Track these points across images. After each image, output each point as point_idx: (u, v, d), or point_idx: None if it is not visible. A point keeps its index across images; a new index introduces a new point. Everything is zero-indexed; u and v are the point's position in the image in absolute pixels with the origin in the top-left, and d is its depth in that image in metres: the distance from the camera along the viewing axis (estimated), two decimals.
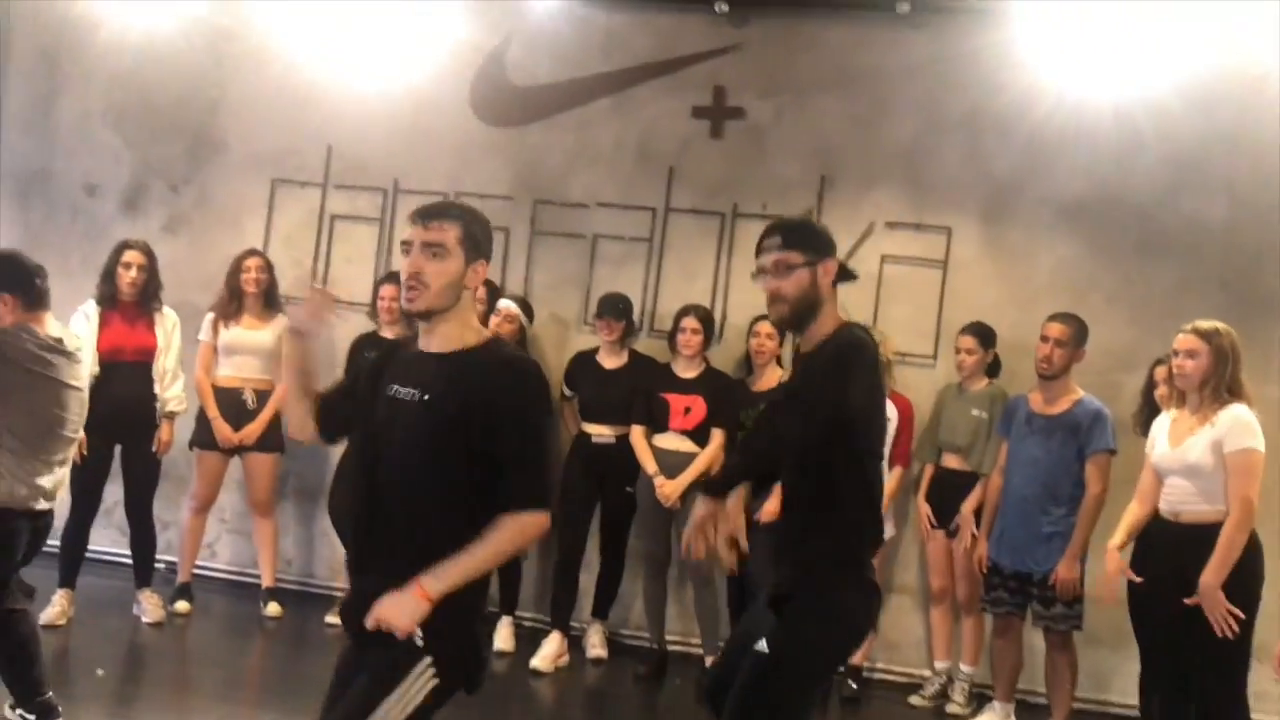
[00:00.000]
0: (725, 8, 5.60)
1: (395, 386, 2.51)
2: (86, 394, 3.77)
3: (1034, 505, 4.57)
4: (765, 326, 5.02)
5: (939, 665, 5.25)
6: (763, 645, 2.80)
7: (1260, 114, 5.14)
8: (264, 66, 6.21)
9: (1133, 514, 4.09)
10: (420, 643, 2.38)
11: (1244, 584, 3.70)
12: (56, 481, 3.64)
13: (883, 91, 5.59)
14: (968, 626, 5.12)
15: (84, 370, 3.79)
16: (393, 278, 5.76)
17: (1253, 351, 4.12)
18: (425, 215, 2.53)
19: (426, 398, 2.45)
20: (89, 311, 5.06)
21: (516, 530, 2.44)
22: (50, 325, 3.66)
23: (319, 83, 6.10)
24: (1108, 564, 4.10)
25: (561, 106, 5.93)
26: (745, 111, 5.73)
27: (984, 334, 5.10)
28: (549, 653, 5.16)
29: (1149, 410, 4.37)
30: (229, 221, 6.30)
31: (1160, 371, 4.36)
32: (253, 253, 5.61)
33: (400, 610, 2.35)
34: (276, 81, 6.18)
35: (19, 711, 3.63)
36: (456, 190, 6.00)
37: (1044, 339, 4.60)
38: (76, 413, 3.67)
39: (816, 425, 2.76)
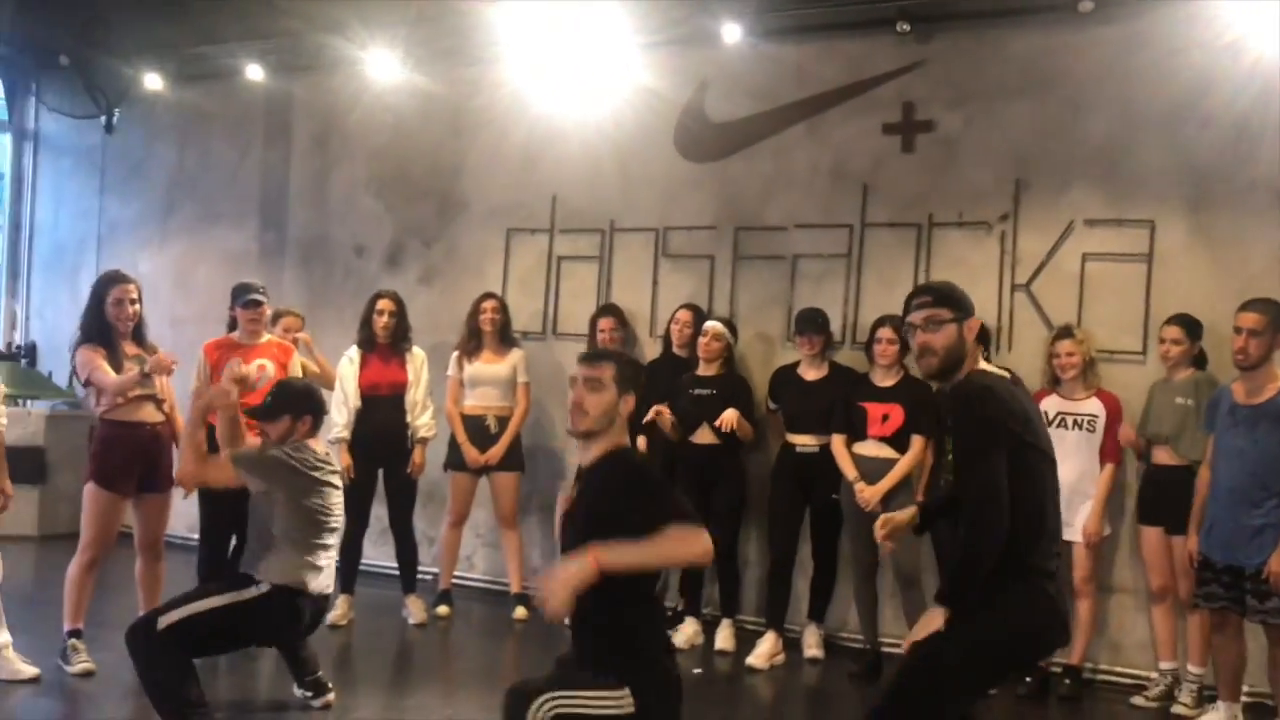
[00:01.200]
0: (907, 27, 5.80)
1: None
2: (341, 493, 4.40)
3: (1242, 497, 4.44)
4: None
5: (1164, 666, 5.12)
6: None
7: None
8: (493, 133, 6.99)
9: None
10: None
11: None
12: (329, 562, 4.29)
13: (1072, 90, 5.59)
14: (1192, 625, 4.98)
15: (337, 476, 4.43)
16: (608, 310, 6.34)
17: None
18: (588, 358, 3.14)
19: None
20: (351, 355, 5.89)
21: (678, 535, 2.83)
22: (320, 444, 4.35)
23: (541, 141, 6.81)
24: None
25: (758, 137, 6.30)
26: (935, 124, 5.88)
27: (1189, 324, 4.99)
28: (764, 651, 5.46)
29: None
30: (473, 269, 7.08)
31: None
32: (488, 296, 6.30)
33: (565, 574, 2.77)
34: (505, 144, 6.94)
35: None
36: (665, 224, 6.54)
37: (1237, 329, 4.48)
38: (338, 508, 4.33)
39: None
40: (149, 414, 4.88)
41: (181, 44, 7.73)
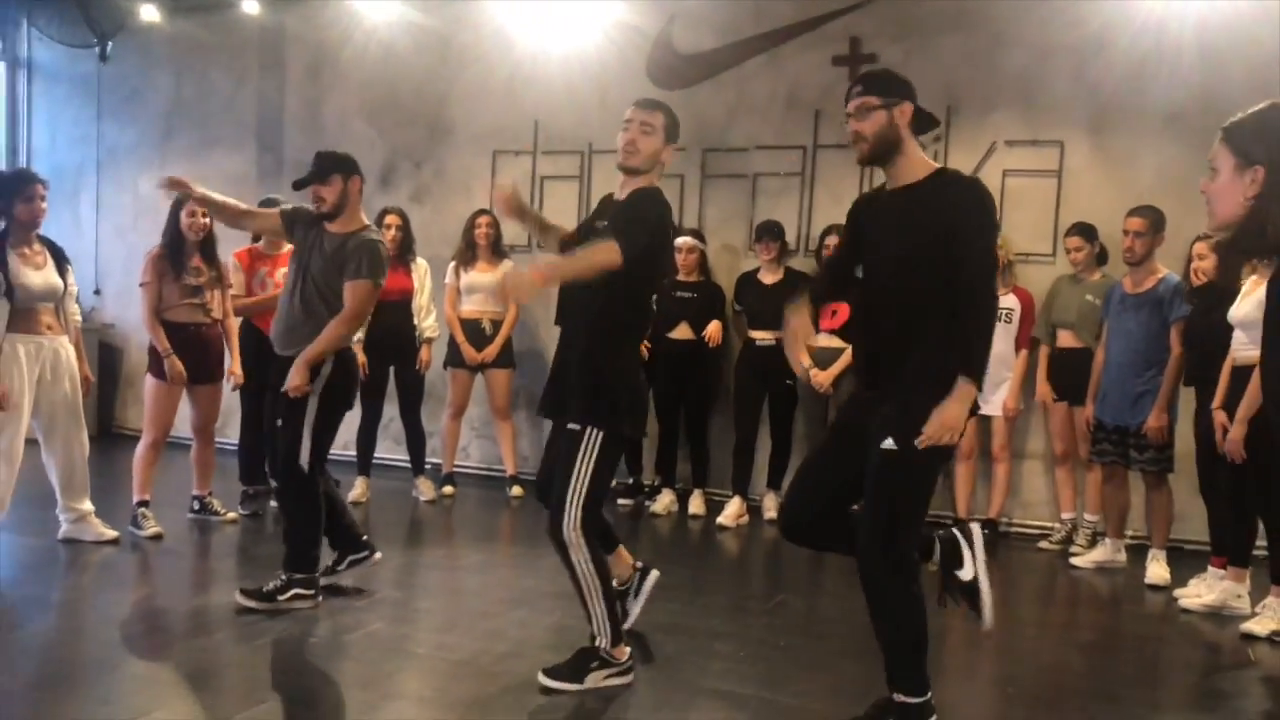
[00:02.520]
0: None
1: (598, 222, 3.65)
2: None
3: (1129, 370, 5.40)
4: None
5: (1065, 516, 6.14)
6: (889, 443, 3.05)
7: None
8: (479, 61, 7.64)
9: (1225, 368, 4.83)
10: (579, 425, 3.46)
11: None
12: None
13: (995, 27, 6.42)
14: (1090, 480, 5.97)
15: None
16: None
17: None
18: (644, 104, 3.65)
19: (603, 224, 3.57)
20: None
21: (597, 246, 3.37)
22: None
23: (523, 69, 7.48)
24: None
25: (722, 67, 7.06)
26: (878, 57, 6.66)
27: (1085, 230, 5.90)
28: (731, 512, 6.40)
29: (1188, 282, 5.14)
30: (461, 189, 7.79)
31: (1198, 247, 5.10)
32: (482, 212, 7.02)
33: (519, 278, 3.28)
34: (490, 72, 7.60)
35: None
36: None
37: (1125, 232, 5.40)
38: None
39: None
40: (197, 316, 5.58)
41: None
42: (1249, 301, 4.60)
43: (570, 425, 3.54)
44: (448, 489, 6.97)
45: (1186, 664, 4.35)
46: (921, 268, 3.11)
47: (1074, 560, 5.77)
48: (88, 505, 5.33)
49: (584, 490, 3.49)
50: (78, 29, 8.78)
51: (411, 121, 7.96)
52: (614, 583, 3.75)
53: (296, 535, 4.41)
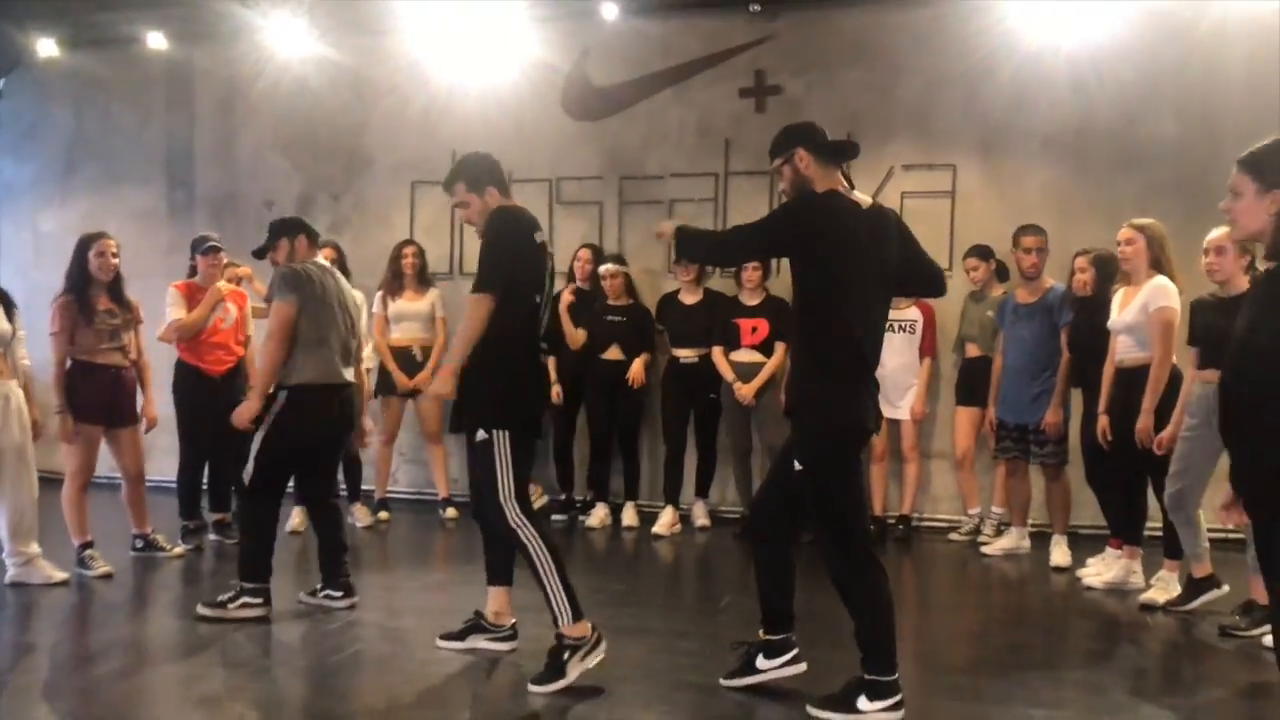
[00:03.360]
0: (758, 7, 7.01)
1: None
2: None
3: (1025, 373, 5.94)
4: None
5: (971, 511, 6.66)
6: (797, 465, 3.51)
7: (1195, 50, 6.37)
8: (394, 94, 7.82)
9: (1106, 372, 5.36)
10: (485, 434, 3.85)
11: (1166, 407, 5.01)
12: (336, 356, 4.86)
13: (893, 60, 6.95)
14: (997, 475, 6.48)
15: None
16: None
17: (1203, 240, 4.96)
18: (446, 185, 4.11)
19: None
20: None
21: (472, 307, 3.82)
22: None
23: (439, 102, 7.69)
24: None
25: (634, 99, 7.42)
26: (782, 88, 7.13)
27: (982, 252, 6.44)
28: (665, 522, 6.73)
29: (1071, 293, 5.70)
30: (381, 219, 7.94)
31: (1079, 261, 5.66)
32: (408, 242, 7.21)
33: (441, 383, 3.86)
34: (406, 105, 7.78)
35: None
36: (557, 175, 7.57)
37: (1026, 250, 5.94)
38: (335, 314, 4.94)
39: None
40: (116, 358, 5.56)
41: (77, 11, 8.12)
42: (1130, 310, 5.15)
43: (479, 437, 3.90)
44: (383, 514, 7.10)
45: (1094, 632, 4.84)
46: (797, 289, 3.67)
47: (984, 549, 6.27)
48: (35, 548, 5.31)
49: (511, 485, 3.87)
50: None
51: (329, 154, 8.08)
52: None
53: (245, 547, 4.82)
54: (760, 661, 3.81)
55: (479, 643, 4.26)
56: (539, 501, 7.17)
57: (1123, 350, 5.22)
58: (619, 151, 7.47)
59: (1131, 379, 5.14)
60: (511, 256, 3.93)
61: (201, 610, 4.71)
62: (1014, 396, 6.02)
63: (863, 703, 3.48)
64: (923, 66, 6.90)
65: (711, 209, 7.31)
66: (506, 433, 3.88)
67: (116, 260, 5.58)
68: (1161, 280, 5.10)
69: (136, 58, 8.33)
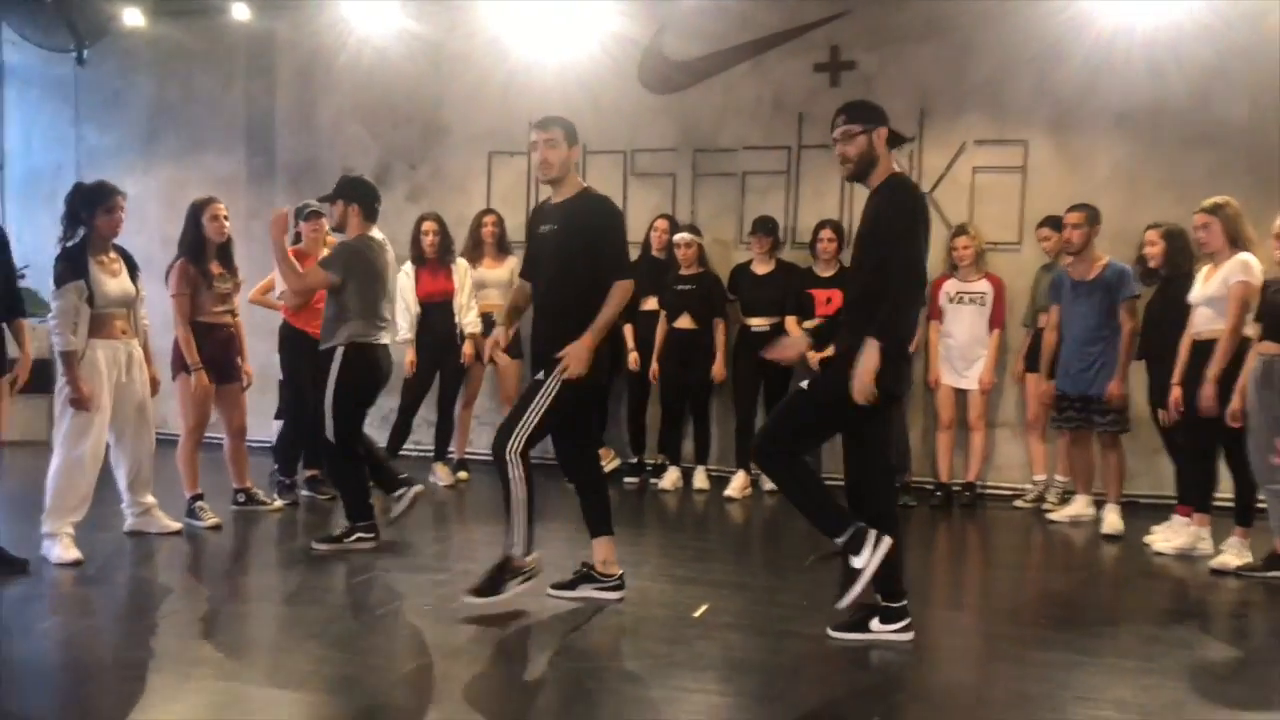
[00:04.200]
0: None
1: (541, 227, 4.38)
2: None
3: (1085, 346, 6.08)
4: None
5: (1036, 478, 6.85)
6: (804, 384, 4.06)
7: (1269, 29, 6.47)
8: (473, 67, 8.00)
9: (1182, 345, 5.51)
10: (543, 375, 4.24)
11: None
12: (390, 323, 5.54)
13: (965, 37, 7.07)
14: (1061, 444, 6.67)
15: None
16: None
17: (1271, 219, 5.18)
18: (540, 124, 4.36)
19: (556, 227, 4.31)
20: (407, 270, 6.93)
21: (622, 292, 4.24)
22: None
23: (517, 74, 7.87)
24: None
25: (710, 73, 7.58)
26: (856, 63, 7.28)
27: (1055, 222, 6.58)
28: (737, 485, 6.97)
29: (1143, 264, 5.86)
30: (457, 188, 8.16)
31: (1149, 234, 5.81)
32: (488, 211, 7.43)
33: (578, 363, 4.20)
34: (485, 77, 7.97)
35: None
36: (632, 147, 7.76)
37: (1064, 226, 6.09)
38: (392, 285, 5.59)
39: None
40: (225, 319, 5.88)
41: None
42: (1212, 284, 5.31)
43: (536, 376, 4.33)
44: (462, 474, 7.37)
45: (1169, 592, 5.06)
46: (863, 257, 3.96)
47: (1050, 515, 6.48)
48: (151, 499, 5.60)
49: (532, 425, 4.22)
50: (55, 32, 8.85)
51: (406, 123, 8.29)
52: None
53: (345, 492, 5.42)
54: (874, 624, 4.02)
55: (588, 592, 4.51)
56: (611, 464, 7.42)
57: (1202, 323, 5.37)
58: (693, 124, 7.65)
59: (1208, 351, 5.29)
60: (618, 232, 4.43)
61: (317, 547, 5.26)
62: (1075, 368, 6.18)
63: (876, 625, 3.96)
64: (994, 45, 7.03)
65: (784, 181, 7.48)
66: (558, 384, 4.22)
67: (229, 223, 5.83)
68: (1245, 255, 5.24)
69: (218, 27, 8.54)
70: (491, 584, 4.27)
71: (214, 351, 5.75)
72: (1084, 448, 6.33)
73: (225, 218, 5.85)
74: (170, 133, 8.93)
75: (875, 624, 3.99)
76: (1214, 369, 5.16)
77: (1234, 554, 5.24)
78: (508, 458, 4.21)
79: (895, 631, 3.98)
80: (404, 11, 7.96)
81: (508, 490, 4.24)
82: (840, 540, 3.89)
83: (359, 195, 5.50)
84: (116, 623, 4.36)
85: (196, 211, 5.81)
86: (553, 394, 4.23)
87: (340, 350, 5.28)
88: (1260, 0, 6.46)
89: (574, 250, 4.28)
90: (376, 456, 5.63)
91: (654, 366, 7.14)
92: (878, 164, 3.92)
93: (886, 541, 3.87)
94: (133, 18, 8.58)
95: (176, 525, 5.63)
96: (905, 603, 4.02)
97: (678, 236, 7.16)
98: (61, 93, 9.20)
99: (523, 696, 3.51)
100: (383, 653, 3.93)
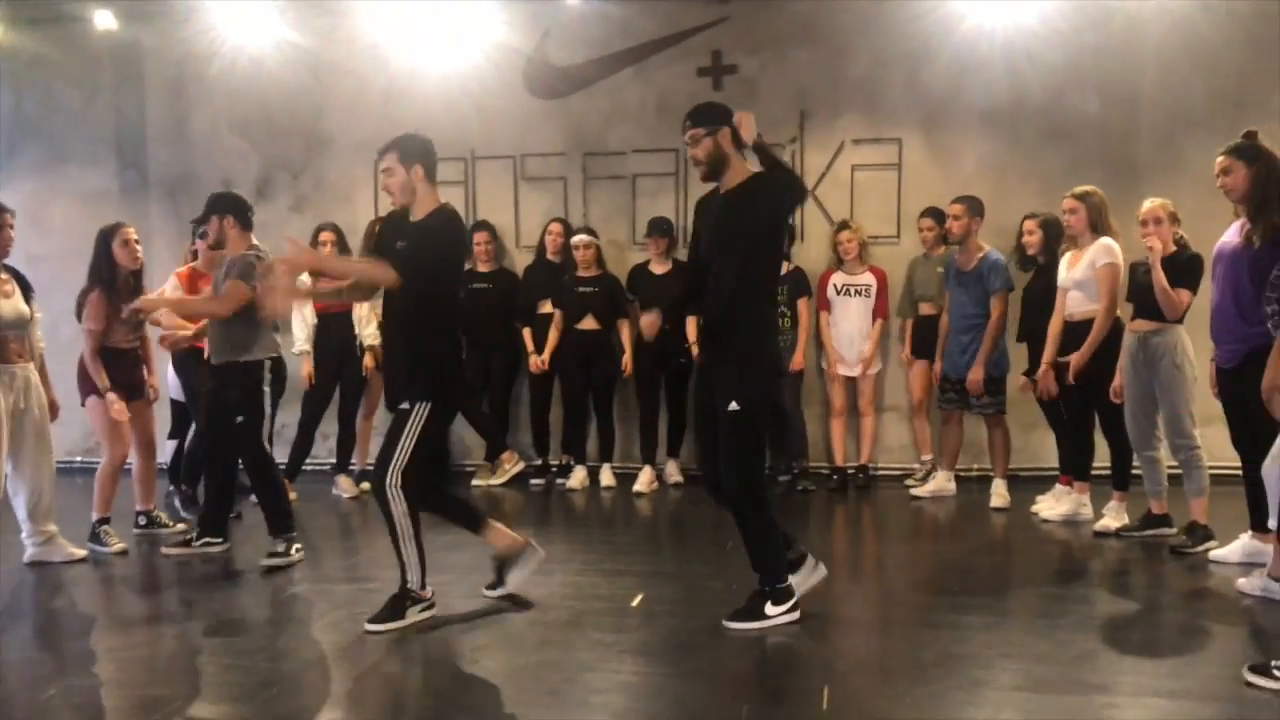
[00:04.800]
0: None
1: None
2: None
3: (963, 332, 6.47)
4: None
5: (924, 458, 7.24)
6: (734, 406, 3.96)
7: (1116, 30, 7.01)
8: (353, 75, 7.92)
9: (1052, 327, 5.93)
10: (407, 405, 4.17)
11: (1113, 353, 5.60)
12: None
13: (841, 41, 7.41)
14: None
15: None
16: (480, 225, 7.60)
17: (1124, 205, 5.86)
18: (380, 152, 4.43)
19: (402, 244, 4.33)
20: (304, 280, 6.79)
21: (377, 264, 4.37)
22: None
23: (398, 81, 7.82)
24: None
25: (595, 78, 7.72)
26: (738, 67, 7.53)
27: (937, 214, 6.95)
28: (645, 480, 7.15)
29: (1020, 252, 6.29)
30: (342, 198, 8.08)
31: (1028, 224, 6.25)
32: (382, 218, 7.38)
33: None
34: (365, 84, 7.91)
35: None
36: (521, 151, 7.83)
37: (953, 217, 6.48)
38: None
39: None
40: (133, 341, 5.76)
41: None
42: (1079, 268, 5.73)
43: (400, 406, 4.24)
44: (365, 485, 7.31)
45: (1060, 555, 5.46)
46: (733, 255, 4.02)
47: (913, 491, 6.88)
48: (53, 527, 5.41)
49: (406, 456, 4.18)
50: None
51: (286, 134, 8.15)
52: (505, 553, 4.60)
53: (271, 501, 5.40)
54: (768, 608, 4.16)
55: (517, 574, 4.62)
56: (515, 468, 7.49)
57: (1073, 305, 5.79)
58: (581, 129, 7.77)
59: (1081, 331, 5.71)
60: (453, 248, 4.45)
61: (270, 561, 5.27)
62: (955, 353, 6.57)
63: (770, 609, 4.10)
64: (868, 47, 7.38)
65: (673, 183, 7.68)
66: (428, 406, 4.20)
67: (140, 247, 5.71)
68: (1107, 240, 5.68)
69: (80, 36, 8.21)
70: (392, 612, 4.25)
71: (124, 374, 5.62)
72: (955, 426, 6.72)
73: (137, 242, 5.70)
74: (30, 146, 8.54)
75: (769, 608, 4.11)
76: (1088, 346, 5.58)
77: (1113, 517, 5.68)
78: (389, 493, 4.20)
79: (785, 613, 4.11)
80: (280, 19, 7.81)
81: (392, 525, 4.23)
82: (769, 585, 4.11)
83: (230, 206, 5.49)
84: (49, 661, 4.22)
85: (106, 238, 5.65)
86: (421, 422, 4.19)
87: (267, 363, 5.33)
88: (1105, 4, 6.97)
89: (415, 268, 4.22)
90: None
91: (537, 360, 7.25)
92: (728, 163, 4.11)
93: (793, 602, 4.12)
94: None
95: (82, 552, 5.46)
96: (789, 582, 4.17)
97: (576, 239, 7.27)
98: None
99: (490, 693, 3.57)
100: (339, 663, 3.93)
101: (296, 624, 4.48)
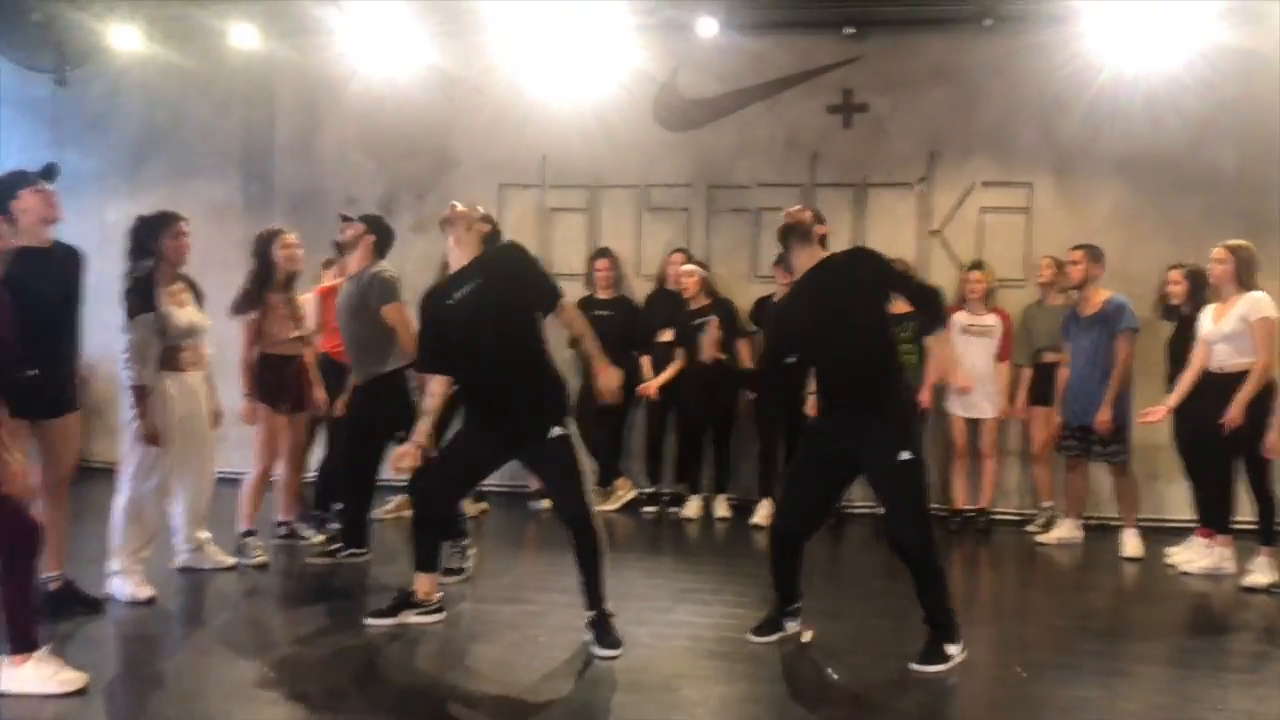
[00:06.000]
0: (852, 29, 7.43)
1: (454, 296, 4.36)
2: None
3: (1088, 378, 6.45)
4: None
5: (1044, 504, 7.18)
6: (905, 455, 4.10)
7: (1257, 85, 6.99)
8: (484, 98, 8.03)
9: (1185, 379, 5.91)
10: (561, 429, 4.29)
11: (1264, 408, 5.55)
12: None
13: (973, 84, 7.44)
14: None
15: None
16: (602, 252, 7.66)
17: (1263, 260, 5.86)
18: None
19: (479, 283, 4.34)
20: None
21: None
22: None
23: (530, 106, 7.91)
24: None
25: (725, 112, 7.79)
26: (869, 106, 7.58)
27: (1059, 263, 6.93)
28: (765, 513, 7.11)
29: (1164, 302, 6.31)
30: None
31: (1173, 274, 6.24)
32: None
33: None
34: (495, 109, 8.00)
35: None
36: (647, 182, 7.90)
37: (1072, 263, 6.48)
38: None
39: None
40: (298, 348, 5.85)
41: (155, 3, 8.16)
42: (1228, 320, 5.69)
43: (553, 433, 4.37)
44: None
45: (1210, 609, 5.41)
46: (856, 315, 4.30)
47: (1038, 539, 6.80)
48: (206, 534, 5.48)
49: (588, 476, 4.37)
50: (40, 53, 8.57)
51: (413, 154, 8.26)
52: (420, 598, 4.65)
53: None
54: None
55: (410, 618, 4.62)
56: (629, 495, 7.51)
57: (1222, 357, 5.73)
58: (708, 161, 7.83)
59: (1228, 384, 5.66)
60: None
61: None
62: (1078, 399, 6.52)
63: (949, 649, 4.17)
64: (1001, 90, 7.41)
65: None
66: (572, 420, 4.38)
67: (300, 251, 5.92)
68: (1258, 293, 5.65)
69: (214, 51, 8.36)
70: (390, 609, 4.55)
71: (285, 383, 5.72)
72: (1080, 474, 6.68)
73: (298, 246, 5.83)
74: (159, 158, 8.71)
75: (949, 648, 4.17)
76: (1245, 394, 5.53)
77: (1263, 572, 5.61)
78: (593, 521, 4.32)
79: (961, 651, 4.19)
80: (414, 40, 7.90)
81: (598, 553, 4.31)
82: (946, 625, 4.18)
83: (378, 227, 5.73)
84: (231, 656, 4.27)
85: (265, 241, 5.80)
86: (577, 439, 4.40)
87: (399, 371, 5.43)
88: (1248, 57, 6.95)
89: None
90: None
91: (647, 388, 7.25)
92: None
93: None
94: (124, 39, 8.35)
95: (231, 560, 5.52)
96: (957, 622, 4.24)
97: (684, 268, 7.30)
98: (35, 114, 8.88)
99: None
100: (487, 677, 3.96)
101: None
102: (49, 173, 4.50)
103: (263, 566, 5.61)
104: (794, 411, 7.20)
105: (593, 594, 4.31)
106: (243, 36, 8.19)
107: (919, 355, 7.00)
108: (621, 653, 4.21)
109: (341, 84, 8.18)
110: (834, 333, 4.22)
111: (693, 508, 7.32)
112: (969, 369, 7.10)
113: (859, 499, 6.86)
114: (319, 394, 6.02)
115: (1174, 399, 5.88)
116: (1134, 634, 4.83)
